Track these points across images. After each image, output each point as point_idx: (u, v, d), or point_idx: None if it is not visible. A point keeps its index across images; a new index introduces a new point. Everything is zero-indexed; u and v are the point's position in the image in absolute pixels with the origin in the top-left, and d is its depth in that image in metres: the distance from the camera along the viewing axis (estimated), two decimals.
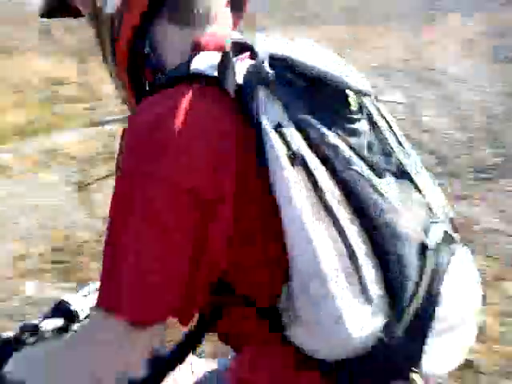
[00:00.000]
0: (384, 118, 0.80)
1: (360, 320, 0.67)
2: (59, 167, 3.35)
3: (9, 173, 3.35)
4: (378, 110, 0.81)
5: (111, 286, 0.67)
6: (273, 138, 0.66)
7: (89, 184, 3.19)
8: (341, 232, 0.67)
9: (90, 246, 2.65)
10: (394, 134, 0.80)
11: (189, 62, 0.72)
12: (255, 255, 0.72)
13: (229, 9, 0.83)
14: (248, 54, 0.75)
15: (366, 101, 0.78)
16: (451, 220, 0.81)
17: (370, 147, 0.74)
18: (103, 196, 2.93)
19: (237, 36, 0.80)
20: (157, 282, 0.67)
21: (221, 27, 0.79)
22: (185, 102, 0.69)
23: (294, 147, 0.67)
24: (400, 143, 0.79)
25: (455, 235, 0.79)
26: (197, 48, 0.75)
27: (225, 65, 0.70)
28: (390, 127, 0.80)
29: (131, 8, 0.76)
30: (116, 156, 0.72)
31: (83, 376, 0.70)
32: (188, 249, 0.67)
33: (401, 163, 0.77)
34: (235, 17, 0.84)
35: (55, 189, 3.17)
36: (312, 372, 0.72)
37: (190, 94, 0.70)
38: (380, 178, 0.72)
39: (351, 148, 0.71)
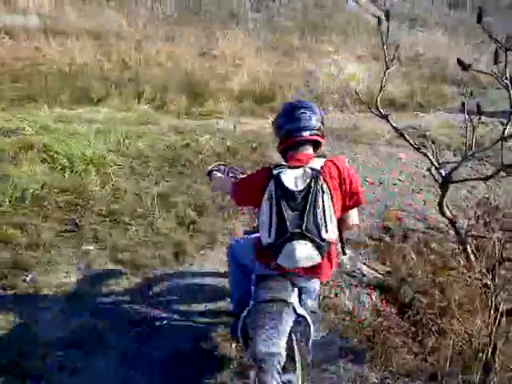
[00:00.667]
0: (314, 194, 2.45)
1: (266, 237, 2.48)
2: None
3: None
4: (314, 191, 2.46)
5: (233, 184, 2.78)
6: (271, 187, 2.50)
7: None
8: (271, 210, 2.46)
9: None
10: (315, 200, 2.44)
11: (280, 163, 2.60)
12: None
13: (310, 148, 2.66)
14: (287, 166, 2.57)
15: (313, 186, 2.45)
16: (319, 231, 2.44)
17: (300, 203, 2.43)
18: None
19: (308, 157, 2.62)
20: (239, 192, 2.73)
21: (300, 153, 2.63)
22: (263, 170, 2.64)
23: (272, 192, 2.48)
24: (316, 202, 2.45)
25: (312, 236, 2.44)
26: (288, 158, 2.65)
27: (278, 169, 2.53)
28: (316, 199, 2.45)
29: (280, 144, 2.73)
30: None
31: (222, 185, 2.96)
32: (258, 185, 2.56)
33: (305, 211, 2.43)
34: (315, 149, 2.68)
35: None
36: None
37: (268, 169, 2.56)
38: (291, 211, 2.43)
39: (287, 200, 2.44)
